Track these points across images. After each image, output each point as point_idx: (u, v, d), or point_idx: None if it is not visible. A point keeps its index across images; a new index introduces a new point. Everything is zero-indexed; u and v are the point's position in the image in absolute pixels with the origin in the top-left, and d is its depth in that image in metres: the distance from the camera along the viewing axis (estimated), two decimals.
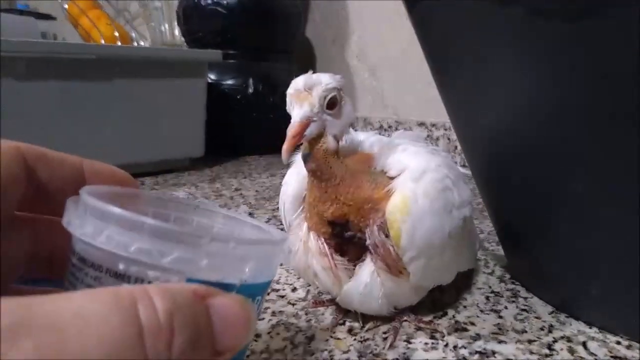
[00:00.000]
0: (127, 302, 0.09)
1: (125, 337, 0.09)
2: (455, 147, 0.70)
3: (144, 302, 0.10)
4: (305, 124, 0.20)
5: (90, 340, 0.08)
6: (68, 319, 0.08)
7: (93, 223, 0.12)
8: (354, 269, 0.23)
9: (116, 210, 0.12)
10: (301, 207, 0.25)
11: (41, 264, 0.16)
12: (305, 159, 0.22)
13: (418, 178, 0.22)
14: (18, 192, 0.14)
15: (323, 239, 0.23)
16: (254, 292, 0.14)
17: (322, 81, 0.21)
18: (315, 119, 0.21)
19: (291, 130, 0.20)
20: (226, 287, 0.13)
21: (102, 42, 0.78)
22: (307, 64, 0.98)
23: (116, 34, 0.80)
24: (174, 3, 0.91)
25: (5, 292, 0.15)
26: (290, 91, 0.21)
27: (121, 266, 0.12)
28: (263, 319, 0.25)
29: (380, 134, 0.27)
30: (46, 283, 0.16)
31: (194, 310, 0.10)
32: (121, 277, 0.12)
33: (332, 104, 0.21)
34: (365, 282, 0.23)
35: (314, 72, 0.22)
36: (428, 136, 0.75)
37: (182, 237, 0.12)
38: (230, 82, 0.79)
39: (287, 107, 0.21)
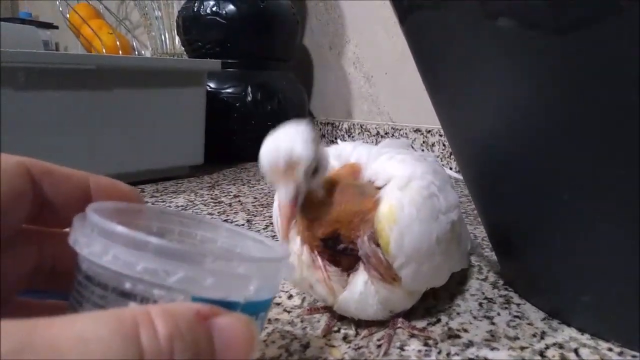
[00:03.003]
0: (129, 327, 0.10)
1: None
2: (450, 154, 0.71)
3: (145, 326, 0.10)
4: (296, 201, 0.20)
5: None
6: (71, 343, 0.09)
7: (100, 242, 0.12)
8: (347, 279, 0.24)
9: (122, 229, 0.12)
10: (294, 221, 0.25)
11: (44, 276, 0.16)
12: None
13: (404, 186, 0.22)
14: (24, 207, 0.14)
15: (316, 252, 0.23)
16: (258, 309, 0.14)
17: (301, 157, 0.20)
18: (302, 189, 0.21)
19: (284, 213, 0.20)
20: (230, 306, 0.13)
21: (104, 51, 0.79)
22: (305, 71, 0.99)
23: (117, 43, 0.81)
24: (174, 13, 0.92)
25: (9, 305, 0.15)
26: (266, 167, 0.20)
27: (127, 285, 0.12)
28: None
29: (376, 140, 0.28)
30: (48, 295, 0.17)
31: (196, 332, 0.11)
32: (127, 296, 0.12)
33: (315, 171, 0.21)
34: (360, 291, 0.23)
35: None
36: (424, 142, 0.75)
37: (187, 256, 0.13)
38: (229, 90, 0.80)
39: (266, 181, 0.21)
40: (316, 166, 0.21)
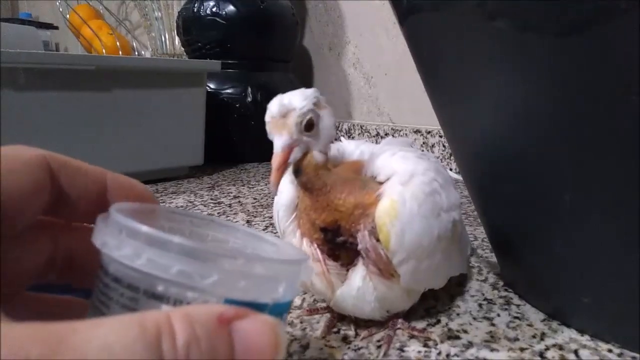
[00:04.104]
0: (152, 334, 0.10)
1: None
2: (450, 155, 0.71)
3: (166, 333, 0.10)
4: (288, 152, 0.20)
5: None
6: (96, 350, 0.09)
7: (130, 244, 0.12)
8: (346, 273, 0.24)
9: (154, 232, 0.12)
10: (294, 214, 0.25)
11: (58, 270, 0.16)
12: (296, 175, 0.22)
13: (406, 182, 0.22)
14: (42, 199, 0.14)
15: (316, 245, 0.23)
16: (282, 310, 0.14)
17: (295, 106, 0.21)
18: (296, 143, 0.21)
19: (275, 161, 0.20)
20: (259, 307, 0.13)
21: (104, 51, 0.79)
22: (305, 72, 0.99)
23: (117, 43, 0.81)
24: (174, 13, 0.92)
25: (19, 299, 0.15)
26: (267, 119, 0.21)
27: (160, 288, 0.12)
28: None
29: (376, 140, 0.28)
30: (61, 291, 0.17)
31: (214, 338, 0.11)
32: (159, 299, 0.12)
33: (309, 125, 0.21)
34: (358, 286, 0.23)
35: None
36: (424, 143, 0.76)
37: (219, 258, 0.13)
38: (229, 91, 0.80)
39: (267, 134, 0.21)
40: (311, 122, 0.21)
